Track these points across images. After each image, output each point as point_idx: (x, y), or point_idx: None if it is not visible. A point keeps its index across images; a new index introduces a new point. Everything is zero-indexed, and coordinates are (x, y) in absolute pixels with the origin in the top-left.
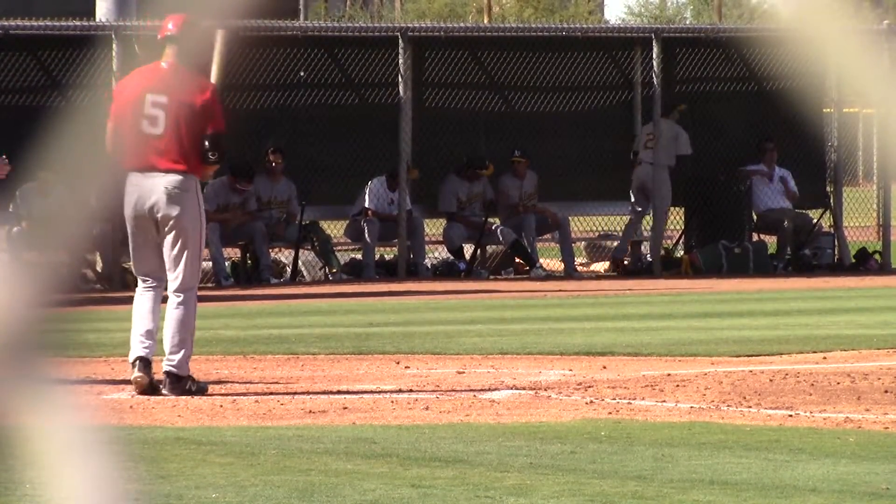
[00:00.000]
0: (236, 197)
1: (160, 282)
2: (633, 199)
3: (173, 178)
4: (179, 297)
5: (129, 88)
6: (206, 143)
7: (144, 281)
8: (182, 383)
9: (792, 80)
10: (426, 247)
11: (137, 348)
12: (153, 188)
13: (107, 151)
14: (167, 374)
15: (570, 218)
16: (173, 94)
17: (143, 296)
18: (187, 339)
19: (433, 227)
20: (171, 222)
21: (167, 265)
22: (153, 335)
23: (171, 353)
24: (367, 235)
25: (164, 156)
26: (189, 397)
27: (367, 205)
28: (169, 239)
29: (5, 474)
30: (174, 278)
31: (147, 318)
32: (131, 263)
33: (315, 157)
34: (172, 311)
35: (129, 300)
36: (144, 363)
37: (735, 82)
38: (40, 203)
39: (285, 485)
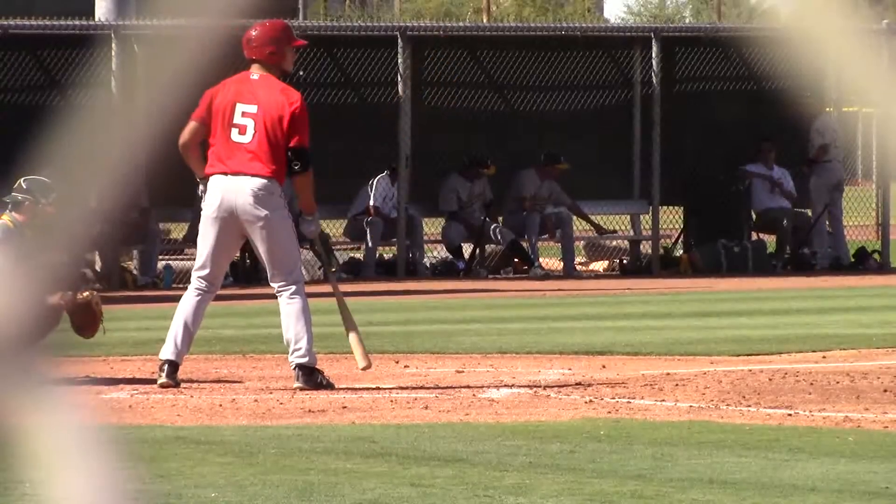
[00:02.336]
0: None
1: (214, 287)
2: (827, 198)
3: (259, 181)
4: (289, 290)
5: (220, 97)
6: (290, 153)
7: (200, 283)
8: (314, 376)
9: (791, 80)
10: (425, 246)
11: (170, 350)
12: (239, 189)
13: (179, 146)
14: (298, 366)
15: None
16: (263, 104)
17: (193, 298)
18: (307, 330)
19: (432, 227)
20: (259, 222)
21: (266, 265)
22: (191, 338)
23: (295, 345)
24: (369, 238)
25: (251, 162)
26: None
27: (371, 203)
28: (259, 238)
29: (5, 474)
30: (276, 274)
31: (191, 320)
32: (195, 264)
33: (314, 157)
34: (286, 307)
35: (128, 299)
36: (173, 367)
37: (734, 82)
38: None
39: (284, 484)
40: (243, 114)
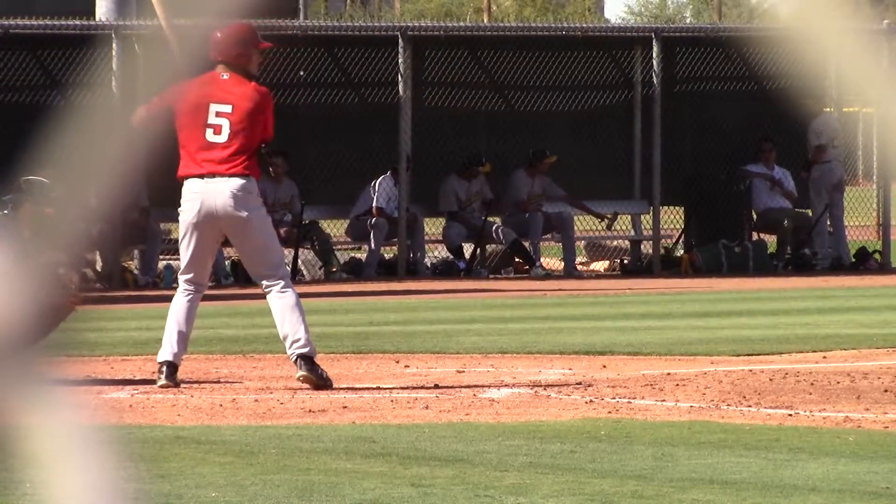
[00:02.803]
0: None
1: (202, 288)
2: (827, 199)
3: (236, 182)
4: (278, 284)
5: (192, 96)
6: (265, 149)
7: (188, 286)
8: (316, 368)
9: (792, 80)
10: (426, 246)
11: (167, 352)
12: (218, 192)
13: (133, 125)
14: (300, 357)
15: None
16: (238, 103)
17: (183, 299)
18: (303, 321)
19: (432, 227)
20: (240, 224)
21: (249, 265)
22: (186, 339)
23: (294, 337)
24: (372, 240)
25: (227, 162)
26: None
27: (375, 204)
28: (241, 239)
29: (5, 474)
30: (263, 273)
31: (183, 322)
32: (180, 268)
33: (314, 157)
34: (279, 302)
35: (128, 299)
36: (172, 368)
37: (735, 82)
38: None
39: (285, 484)
40: (217, 114)
